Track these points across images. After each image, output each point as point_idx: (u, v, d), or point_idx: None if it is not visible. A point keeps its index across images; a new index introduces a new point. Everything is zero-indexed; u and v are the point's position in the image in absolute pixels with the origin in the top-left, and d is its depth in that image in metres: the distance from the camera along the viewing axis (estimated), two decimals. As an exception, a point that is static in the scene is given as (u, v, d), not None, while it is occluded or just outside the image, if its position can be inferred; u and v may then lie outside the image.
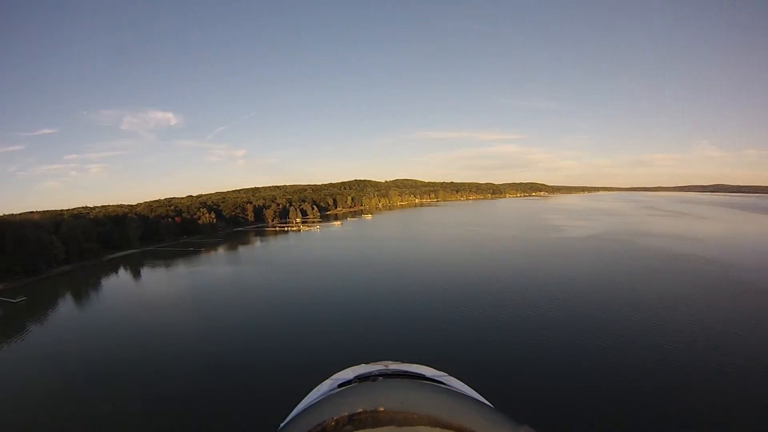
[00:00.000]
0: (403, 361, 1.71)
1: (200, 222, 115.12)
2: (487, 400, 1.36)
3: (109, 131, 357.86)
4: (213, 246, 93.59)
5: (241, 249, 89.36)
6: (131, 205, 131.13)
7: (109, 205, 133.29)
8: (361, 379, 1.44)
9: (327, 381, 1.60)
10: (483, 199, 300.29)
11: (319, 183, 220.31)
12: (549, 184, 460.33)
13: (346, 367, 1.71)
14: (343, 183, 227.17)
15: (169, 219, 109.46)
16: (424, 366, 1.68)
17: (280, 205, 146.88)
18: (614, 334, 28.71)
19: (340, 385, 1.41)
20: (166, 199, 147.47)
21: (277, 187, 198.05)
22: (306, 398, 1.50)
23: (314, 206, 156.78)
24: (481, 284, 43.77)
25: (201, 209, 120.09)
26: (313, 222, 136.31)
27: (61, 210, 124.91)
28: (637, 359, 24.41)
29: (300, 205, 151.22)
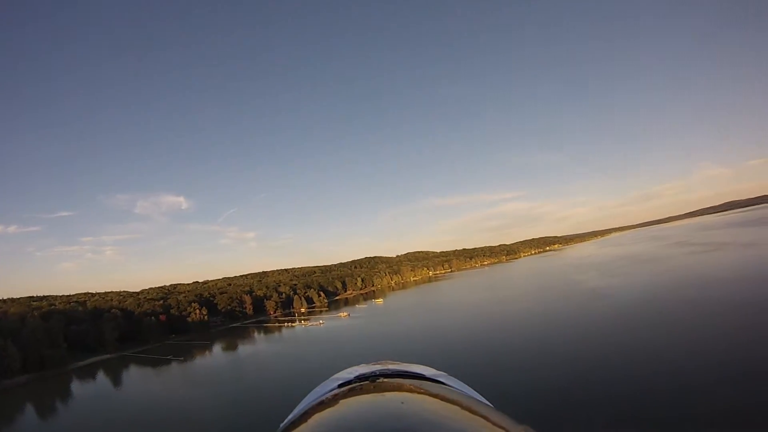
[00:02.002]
0: (403, 361, 1.71)
1: (190, 319, 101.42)
2: (486, 399, 1.37)
3: (123, 215, 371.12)
4: (197, 351, 79.53)
5: (221, 358, 75.31)
6: (135, 293, 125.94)
7: (111, 292, 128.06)
8: (361, 379, 1.43)
9: (327, 381, 1.60)
10: (498, 262, 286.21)
11: (329, 263, 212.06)
12: (560, 235, 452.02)
13: (347, 368, 1.70)
14: (353, 261, 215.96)
15: (153, 318, 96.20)
16: (424, 366, 1.67)
17: (283, 295, 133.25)
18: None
19: (340, 385, 1.41)
20: (171, 285, 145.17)
21: (286, 270, 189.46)
22: (306, 398, 1.50)
23: (321, 292, 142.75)
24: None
25: (192, 304, 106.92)
26: (319, 311, 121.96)
27: (62, 295, 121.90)
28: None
29: (305, 293, 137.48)
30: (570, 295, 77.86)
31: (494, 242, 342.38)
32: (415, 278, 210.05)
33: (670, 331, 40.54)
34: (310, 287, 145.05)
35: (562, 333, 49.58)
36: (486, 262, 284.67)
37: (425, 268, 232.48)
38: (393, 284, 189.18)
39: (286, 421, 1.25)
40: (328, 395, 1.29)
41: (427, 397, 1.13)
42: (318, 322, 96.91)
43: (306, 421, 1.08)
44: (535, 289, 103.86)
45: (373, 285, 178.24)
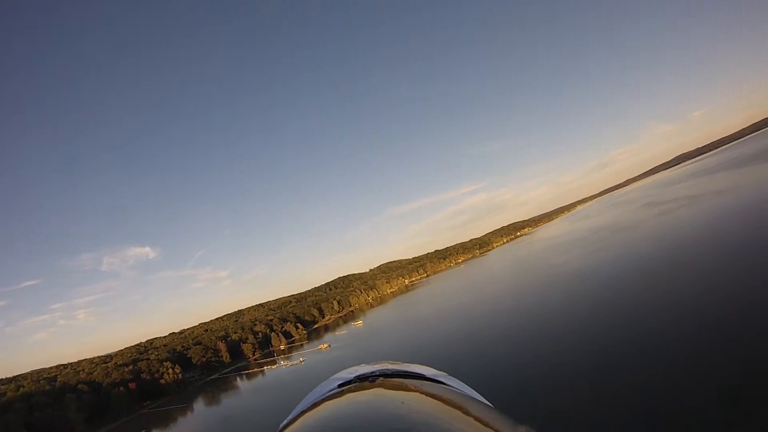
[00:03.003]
0: (402, 362, 1.70)
1: (163, 381, 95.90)
2: (486, 399, 1.37)
3: (90, 275, 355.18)
4: (172, 417, 74.77)
5: (198, 421, 69.54)
6: (108, 357, 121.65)
7: (83, 360, 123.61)
8: (361, 379, 1.43)
9: (327, 381, 1.59)
10: (472, 257, 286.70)
11: (304, 290, 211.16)
12: (528, 218, 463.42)
13: (347, 368, 1.70)
14: (327, 284, 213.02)
15: (122, 387, 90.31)
16: (424, 366, 1.66)
17: (260, 334, 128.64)
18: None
19: (340, 385, 1.41)
20: (147, 341, 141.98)
21: (261, 305, 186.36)
22: (306, 398, 1.49)
23: (298, 324, 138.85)
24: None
25: (164, 363, 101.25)
26: (300, 344, 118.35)
27: (34, 370, 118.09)
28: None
29: (282, 327, 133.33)
30: (556, 281, 70.75)
31: (465, 238, 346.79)
32: (391, 290, 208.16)
33: (671, 301, 35.95)
34: (286, 320, 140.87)
35: (556, 325, 43.80)
36: (460, 260, 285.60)
37: (400, 278, 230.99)
38: (370, 300, 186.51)
39: (285, 421, 1.23)
40: (328, 395, 1.29)
41: (426, 397, 1.13)
42: (298, 360, 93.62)
43: (305, 421, 1.08)
44: (517, 280, 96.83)
45: (350, 305, 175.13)
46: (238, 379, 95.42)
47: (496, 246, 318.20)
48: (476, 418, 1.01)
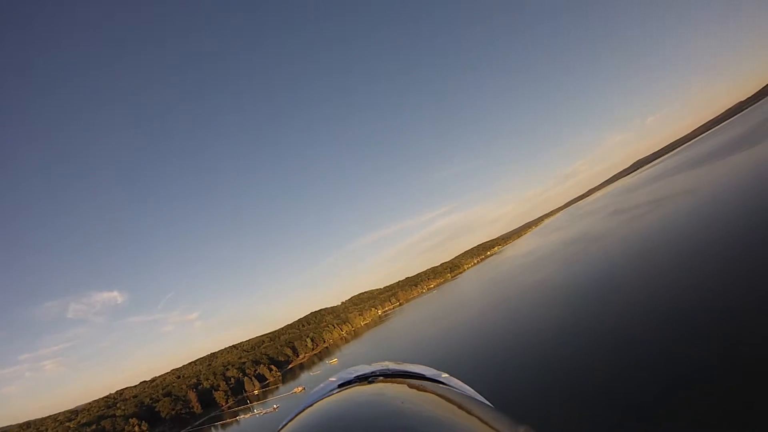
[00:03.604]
0: (403, 362, 1.69)
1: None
2: (487, 399, 1.36)
3: (56, 323, 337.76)
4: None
5: None
6: (75, 412, 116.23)
7: (47, 417, 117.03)
8: (361, 379, 1.43)
9: (327, 381, 1.59)
10: (444, 281, 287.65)
11: (276, 327, 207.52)
12: (497, 236, 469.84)
13: (347, 368, 1.70)
14: (300, 320, 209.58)
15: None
16: (424, 366, 1.65)
17: (232, 380, 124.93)
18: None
19: (340, 386, 1.41)
20: (117, 392, 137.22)
21: (234, 347, 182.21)
22: (306, 398, 1.48)
23: (272, 366, 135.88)
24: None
25: (130, 420, 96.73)
26: (275, 386, 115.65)
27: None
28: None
29: (255, 370, 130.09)
30: (532, 301, 65.86)
31: (435, 261, 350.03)
32: (365, 322, 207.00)
33: (653, 305, 36.09)
34: (259, 363, 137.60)
35: (540, 348, 39.28)
36: (432, 285, 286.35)
37: (373, 308, 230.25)
38: (344, 335, 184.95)
39: (285, 421, 1.23)
40: (328, 395, 1.28)
41: (427, 397, 1.12)
42: (272, 408, 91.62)
43: (305, 421, 1.08)
44: (491, 304, 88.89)
45: (324, 341, 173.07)
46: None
47: (468, 268, 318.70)
48: (477, 419, 1.01)
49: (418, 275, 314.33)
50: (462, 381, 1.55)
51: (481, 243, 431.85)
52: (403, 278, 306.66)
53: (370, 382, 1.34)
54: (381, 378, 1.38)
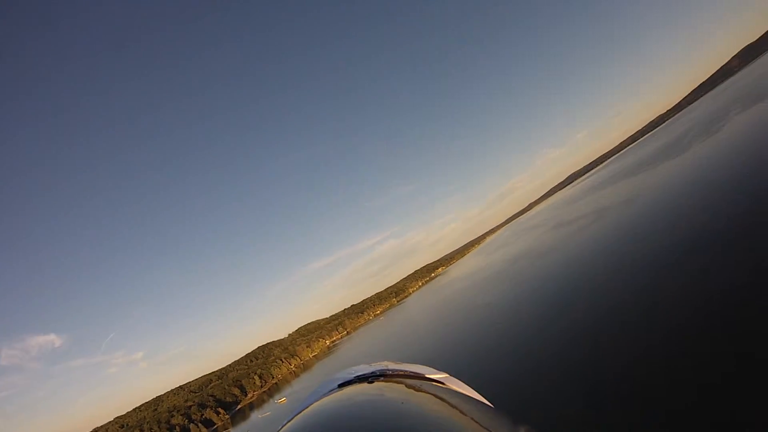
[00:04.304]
0: (403, 362, 1.68)
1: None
2: (487, 400, 1.34)
3: None
4: None
5: None
6: None
7: None
8: (361, 379, 1.42)
9: (327, 381, 1.57)
10: (390, 307, 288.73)
11: (224, 364, 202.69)
12: (440, 257, 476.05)
13: (347, 368, 1.67)
14: (247, 355, 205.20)
15: None
16: (424, 366, 1.64)
17: (177, 428, 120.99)
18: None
19: (340, 386, 1.39)
20: None
21: (181, 387, 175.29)
22: (306, 398, 1.48)
23: (219, 408, 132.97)
24: None
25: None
26: (224, 429, 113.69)
27: None
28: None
29: (202, 414, 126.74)
30: (486, 324, 50.46)
31: (380, 287, 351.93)
32: (313, 354, 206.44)
33: (610, 315, 29.49)
34: (206, 406, 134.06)
35: (493, 371, 32.91)
36: (378, 311, 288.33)
37: (321, 339, 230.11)
38: (293, 368, 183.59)
39: (285, 420, 1.23)
40: (328, 395, 1.28)
41: (427, 397, 1.12)
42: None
43: (305, 420, 1.07)
44: (439, 329, 77.16)
45: (273, 377, 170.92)
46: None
47: (413, 291, 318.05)
48: (477, 419, 1.01)
49: (364, 302, 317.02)
50: (462, 381, 1.55)
51: (425, 265, 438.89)
52: (349, 306, 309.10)
53: (370, 382, 1.34)
54: (381, 378, 1.38)
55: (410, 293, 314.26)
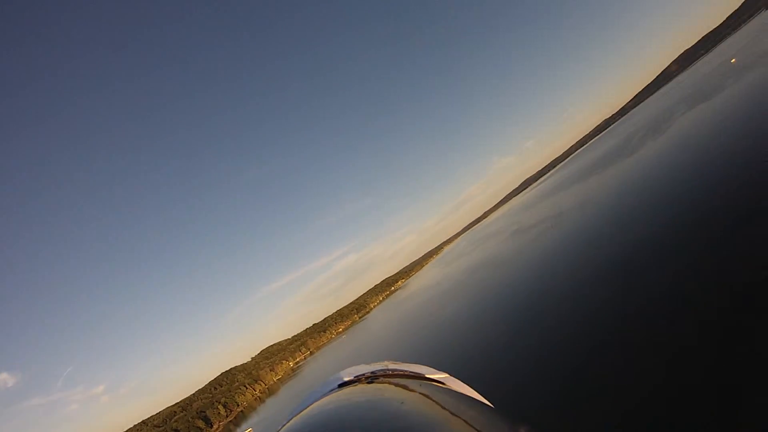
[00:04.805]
0: (403, 362, 1.67)
1: None
2: (487, 400, 1.34)
3: None
4: None
5: None
6: None
7: None
8: (361, 379, 1.42)
9: (327, 381, 1.57)
10: (352, 324, 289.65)
11: (188, 393, 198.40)
12: (399, 270, 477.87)
13: (347, 367, 1.68)
14: (211, 383, 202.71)
15: None
16: (424, 366, 1.64)
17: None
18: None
19: (340, 385, 1.39)
20: None
21: (144, 422, 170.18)
22: (306, 398, 1.47)
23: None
24: None
25: None
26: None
27: None
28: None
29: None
30: (450, 337, 51.98)
31: (341, 303, 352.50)
32: (277, 377, 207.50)
33: (576, 321, 32.11)
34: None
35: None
36: (340, 329, 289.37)
37: (284, 361, 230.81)
38: (258, 394, 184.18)
39: (286, 420, 1.22)
40: (328, 395, 1.28)
41: (427, 397, 1.11)
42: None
43: (305, 420, 1.07)
44: (405, 345, 74.03)
45: (238, 405, 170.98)
46: None
47: (374, 306, 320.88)
48: (477, 419, 0.99)
49: (326, 320, 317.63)
50: (462, 381, 1.55)
51: (384, 279, 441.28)
52: (311, 325, 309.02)
53: (369, 382, 1.34)
54: (381, 378, 1.38)
55: (372, 308, 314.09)
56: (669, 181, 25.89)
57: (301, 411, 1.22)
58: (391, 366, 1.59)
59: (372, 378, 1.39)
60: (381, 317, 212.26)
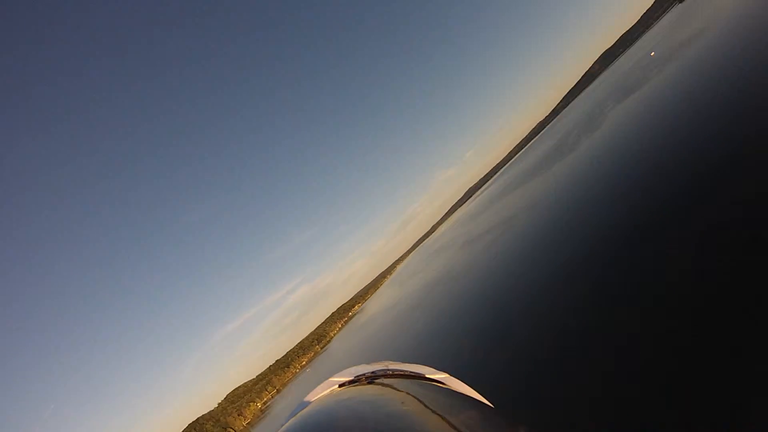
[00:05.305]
0: (403, 362, 1.67)
1: None
2: (487, 400, 1.33)
3: None
4: None
5: None
6: None
7: None
8: (361, 379, 1.41)
9: (327, 381, 1.56)
10: (315, 355, 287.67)
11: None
12: (354, 295, 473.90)
13: (347, 368, 1.70)
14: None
15: None
16: (424, 366, 1.63)
17: None
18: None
19: (340, 386, 1.38)
20: None
21: None
22: (306, 398, 1.43)
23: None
24: None
25: None
26: None
27: None
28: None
29: None
30: (427, 359, 52.74)
31: (302, 334, 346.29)
32: (246, 421, 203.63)
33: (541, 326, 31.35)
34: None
35: None
36: (304, 362, 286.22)
37: (251, 403, 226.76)
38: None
39: (286, 420, 1.19)
40: (328, 395, 1.27)
41: (427, 397, 1.10)
42: None
43: (305, 420, 1.05)
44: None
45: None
46: None
47: (334, 335, 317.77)
48: (477, 419, 1.01)
49: (288, 355, 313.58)
50: (462, 381, 1.53)
51: (341, 305, 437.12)
52: (274, 362, 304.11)
53: (370, 382, 1.32)
54: (381, 378, 1.37)
55: (332, 337, 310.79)
56: (609, 173, 23.79)
57: (301, 410, 1.21)
58: (391, 366, 1.60)
59: (372, 378, 1.39)
60: (342, 347, 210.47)
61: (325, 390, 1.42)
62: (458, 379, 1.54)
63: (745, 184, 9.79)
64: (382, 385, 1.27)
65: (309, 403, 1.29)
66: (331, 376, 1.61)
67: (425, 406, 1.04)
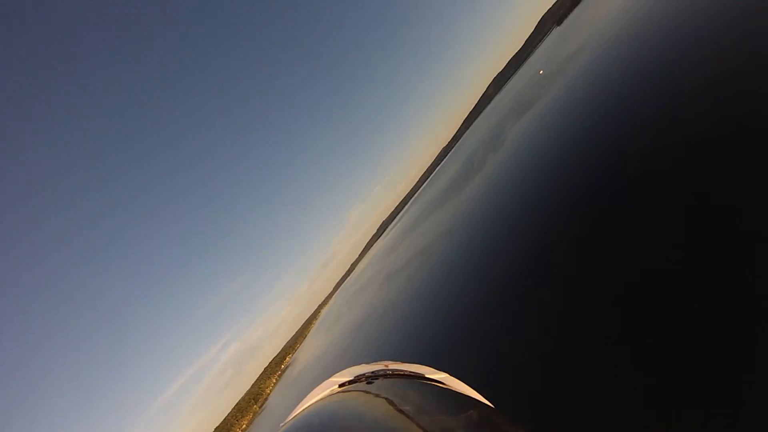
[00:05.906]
0: (403, 362, 1.68)
1: None
2: (487, 400, 1.34)
3: None
4: None
5: None
6: None
7: None
8: (361, 379, 1.41)
9: (327, 381, 1.57)
10: (254, 417, 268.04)
11: None
12: (284, 345, 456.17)
13: (347, 367, 1.69)
14: None
15: None
16: (424, 366, 1.64)
17: None
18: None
19: (340, 386, 1.39)
20: None
21: None
22: (306, 398, 1.47)
23: None
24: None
25: None
26: None
27: None
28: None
29: None
30: None
31: (238, 394, 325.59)
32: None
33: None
34: None
35: None
36: (244, 425, 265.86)
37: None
38: None
39: (286, 420, 1.22)
40: (328, 395, 1.27)
41: (427, 397, 1.12)
42: None
43: (305, 421, 1.06)
44: None
45: None
46: None
47: (269, 391, 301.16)
48: (477, 419, 1.01)
49: (227, 420, 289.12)
50: (462, 381, 1.53)
51: (272, 359, 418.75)
52: (213, 430, 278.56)
53: (369, 383, 1.32)
54: (381, 378, 1.37)
55: (268, 394, 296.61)
56: (516, 188, 22.66)
57: (301, 411, 1.23)
58: (391, 366, 1.60)
59: (372, 378, 1.39)
60: (280, 403, 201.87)
61: (325, 390, 1.43)
62: (458, 379, 1.55)
63: (633, 185, 10.09)
64: (382, 385, 1.28)
65: (309, 402, 1.30)
66: (330, 375, 1.62)
67: (425, 406, 1.05)
